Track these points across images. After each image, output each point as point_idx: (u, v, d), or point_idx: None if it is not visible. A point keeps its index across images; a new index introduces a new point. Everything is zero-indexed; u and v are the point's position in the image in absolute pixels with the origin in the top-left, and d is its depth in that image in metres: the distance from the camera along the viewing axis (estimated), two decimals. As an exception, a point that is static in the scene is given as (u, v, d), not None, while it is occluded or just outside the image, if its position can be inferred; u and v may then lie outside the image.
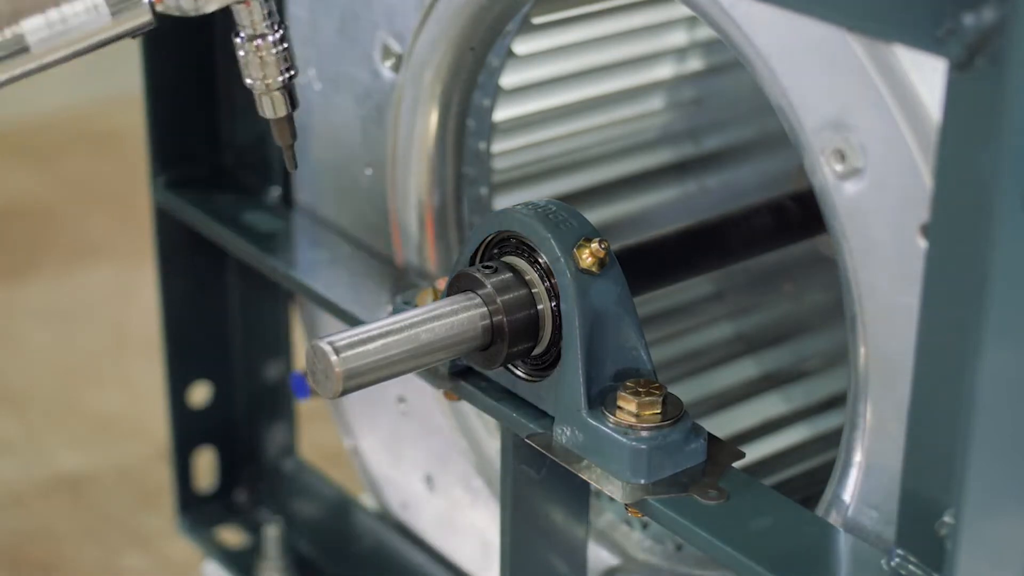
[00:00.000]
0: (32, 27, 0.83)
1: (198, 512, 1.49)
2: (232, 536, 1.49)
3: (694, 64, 1.40)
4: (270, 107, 0.93)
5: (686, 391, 1.34)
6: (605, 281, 0.95)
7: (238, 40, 0.91)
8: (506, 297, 0.96)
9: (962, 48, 0.70)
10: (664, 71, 1.39)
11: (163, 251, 1.39)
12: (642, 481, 0.92)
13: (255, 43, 0.91)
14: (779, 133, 0.92)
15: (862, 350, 0.89)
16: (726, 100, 1.44)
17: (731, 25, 0.89)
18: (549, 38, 1.30)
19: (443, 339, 0.95)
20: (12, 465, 2.07)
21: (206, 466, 1.49)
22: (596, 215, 1.34)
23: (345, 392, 0.92)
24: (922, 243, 0.82)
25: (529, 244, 0.96)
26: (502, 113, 1.31)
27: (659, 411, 0.92)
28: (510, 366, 0.99)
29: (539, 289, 0.96)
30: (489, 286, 0.96)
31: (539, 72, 1.31)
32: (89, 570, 1.90)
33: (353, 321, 1.14)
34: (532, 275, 0.96)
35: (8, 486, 2.03)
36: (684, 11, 0.96)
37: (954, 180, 0.74)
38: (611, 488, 0.93)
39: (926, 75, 0.81)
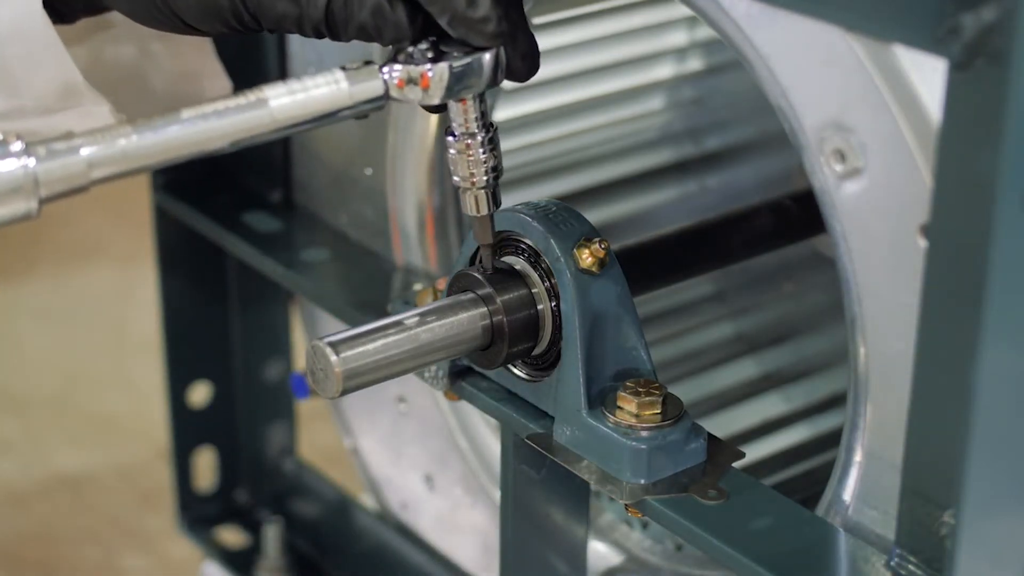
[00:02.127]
0: (274, 92, 0.86)
1: (198, 512, 1.49)
2: (232, 536, 1.49)
3: (694, 64, 1.40)
4: (473, 205, 0.95)
5: (686, 391, 1.34)
6: (605, 281, 0.95)
7: (450, 138, 0.93)
8: (506, 297, 0.96)
9: (962, 48, 0.70)
10: (664, 71, 1.39)
11: (163, 251, 1.39)
12: (642, 481, 0.92)
13: (466, 142, 0.93)
14: (779, 133, 0.92)
15: (862, 350, 0.89)
16: (726, 100, 1.44)
17: (731, 25, 0.89)
18: (549, 38, 1.30)
19: (443, 339, 0.95)
20: (12, 465, 2.07)
21: (206, 466, 1.49)
22: (596, 215, 1.33)
23: (345, 392, 0.92)
24: (922, 243, 0.82)
25: (529, 244, 0.96)
26: (502, 113, 1.31)
27: (659, 411, 0.92)
28: (510, 366, 0.99)
29: (539, 289, 0.96)
30: (489, 286, 0.96)
31: (539, 72, 1.30)
32: (89, 570, 1.90)
33: (353, 321, 1.14)
34: (532, 275, 0.96)
35: (8, 486, 2.03)
36: (684, 11, 0.96)
37: (954, 180, 0.74)
38: (611, 488, 0.93)
39: (926, 75, 0.81)
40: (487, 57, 0.89)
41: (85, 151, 0.83)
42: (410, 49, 0.89)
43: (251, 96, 0.86)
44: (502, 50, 0.90)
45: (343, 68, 0.88)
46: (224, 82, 1.19)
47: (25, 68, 1.01)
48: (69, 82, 1.02)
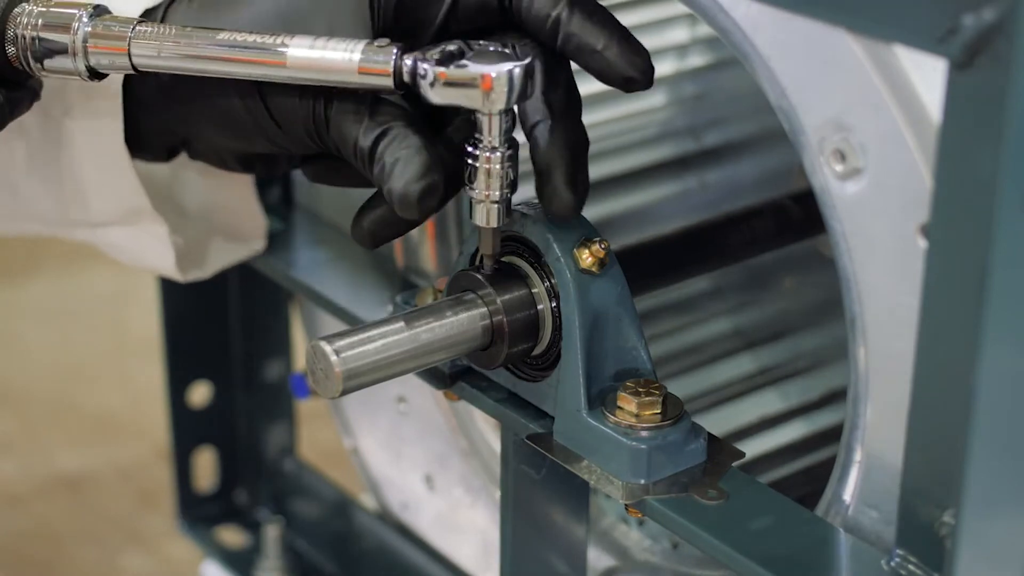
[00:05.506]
0: (297, 42, 0.90)
1: (198, 512, 1.49)
2: (232, 536, 1.49)
3: (695, 60, 1.40)
4: (484, 217, 0.94)
5: (682, 387, 1.34)
6: (605, 281, 0.95)
7: (470, 148, 0.92)
8: (506, 297, 0.96)
9: (962, 48, 0.70)
10: (665, 67, 1.39)
11: (162, 251, 1.39)
12: (642, 481, 0.92)
13: (487, 155, 0.92)
14: (779, 130, 0.92)
15: (862, 350, 0.89)
16: (727, 96, 1.44)
17: (731, 25, 0.89)
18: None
19: (443, 339, 0.95)
20: (12, 465, 2.07)
21: (206, 466, 1.49)
22: (596, 211, 1.33)
23: (345, 392, 0.92)
24: (922, 243, 0.82)
25: (529, 244, 0.96)
26: (501, 112, 1.30)
27: (659, 411, 0.92)
28: (510, 366, 0.99)
29: (539, 289, 0.96)
30: (489, 286, 0.96)
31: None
32: (89, 570, 1.91)
33: (353, 321, 1.14)
34: (532, 275, 0.96)
35: (8, 486, 2.03)
36: (684, 9, 0.96)
37: (954, 180, 0.74)
38: (611, 488, 0.93)
39: (926, 75, 0.81)
40: (496, 71, 0.88)
41: (135, 40, 0.93)
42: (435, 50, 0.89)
43: (278, 39, 0.91)
44: (535, 63, 0.91)
45: (368, 41, 0.90)
46: (260, 221, 1.22)
47: (99, 190, 1.06)
48: (136, 206, 1.07)
